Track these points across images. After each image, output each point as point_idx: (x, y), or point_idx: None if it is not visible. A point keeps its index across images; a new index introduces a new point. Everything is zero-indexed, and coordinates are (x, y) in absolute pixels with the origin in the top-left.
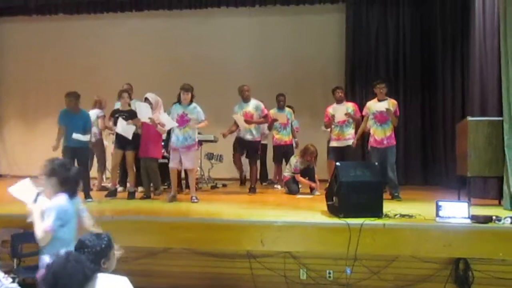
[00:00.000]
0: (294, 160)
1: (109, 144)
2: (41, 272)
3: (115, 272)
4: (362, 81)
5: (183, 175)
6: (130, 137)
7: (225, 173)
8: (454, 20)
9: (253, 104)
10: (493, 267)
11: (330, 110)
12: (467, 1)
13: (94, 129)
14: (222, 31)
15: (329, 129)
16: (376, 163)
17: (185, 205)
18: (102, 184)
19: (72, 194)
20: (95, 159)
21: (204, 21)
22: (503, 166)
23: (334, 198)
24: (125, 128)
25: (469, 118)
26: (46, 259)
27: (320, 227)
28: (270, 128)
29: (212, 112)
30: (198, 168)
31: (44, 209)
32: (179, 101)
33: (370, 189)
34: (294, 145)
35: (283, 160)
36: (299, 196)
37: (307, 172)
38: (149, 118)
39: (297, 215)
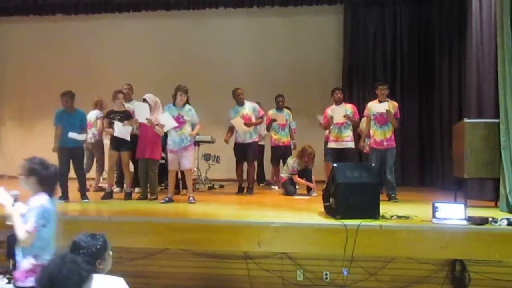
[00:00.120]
0: (292, 161)
1: (109, 144)
2: (17, 275)
3: (111, 273)
4: (359, 82)
5: (179, 176)
6: (128, 138)
7: (222, 174)
8: (451, 21)
9: (249, 106)
10: (490, 269)
11: (329, 111)
12: (464, 2)
13: (94, 130)
14: (220, 32)
15: (327, 131)
16: (373, 165)
17: (182, 206)
18: (99, 185)
19: (51, 193)
20: (94, 159)
21: (202, 22)
22: (499, 168)
23: (331, 199)
24: (121, 130)
25: (466, 120)
26: (24, 262)
27: (317, 228)
28: (268, 128)
29: (209, 113)
30: (195, 169)
31: (23, 211)
32: (174, 102)
33: (367, 191)
34: (292, 146)
35: (281, 161)
36: (296, 197)
37: (304, 173)
38: (147, 119)
39: (294, 216)
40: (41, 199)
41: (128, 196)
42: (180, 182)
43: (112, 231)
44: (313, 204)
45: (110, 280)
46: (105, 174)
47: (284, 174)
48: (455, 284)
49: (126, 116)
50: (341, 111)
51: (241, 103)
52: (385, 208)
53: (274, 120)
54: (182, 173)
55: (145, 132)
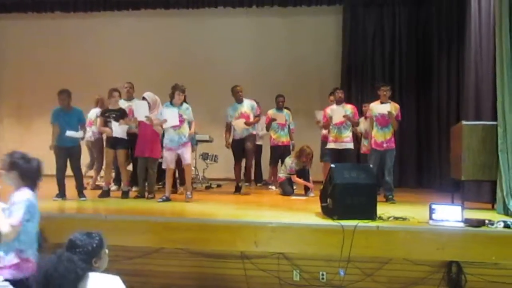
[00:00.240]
0: (290, 161)
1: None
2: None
3: (107, 271)
4: (358, 82)
5: (176, 174)
6: (125, 137)
7: (220, 173)
8: (450, 22)
9: (247, 104)
10: (486, 271)
11: (328, 111)
12: (463, 3)
13: (94, 128)
14: (219, 31)
15: (326, 131)
16: (371, 165)
17: (179, 205)
18: (96, 183)
19: (33, 187)
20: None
21: (201, 21)
22: (497, 170)
23: (328, 200)
24: (117, 130)
25: (464, 122)
26: (7, 258)
27: (314, 228)
28: (268, 128)
29: (208, 112)
30: (193, 168)
31: (3, 206)
32: (171, 101)
33: (364, 192)
34: (291, 147)
35: (279, 161)
36: (293, 197)
37: (302, 173)
38: (146, 117)
39: (291, 217)
40: (26, 194)
41: (125, 195)
42: (177, 180)
43: (108, 230)
44: (310, 204)
45: (106, 279)
46: (102, 173)
47: (282, 174)
48: (451, 285)
49: (122, 114)
50: (340, 112)
51: (240, 101)
52: (382, 209)
53: (274, 120)
54: (180, 170)
55: (144, 131)
